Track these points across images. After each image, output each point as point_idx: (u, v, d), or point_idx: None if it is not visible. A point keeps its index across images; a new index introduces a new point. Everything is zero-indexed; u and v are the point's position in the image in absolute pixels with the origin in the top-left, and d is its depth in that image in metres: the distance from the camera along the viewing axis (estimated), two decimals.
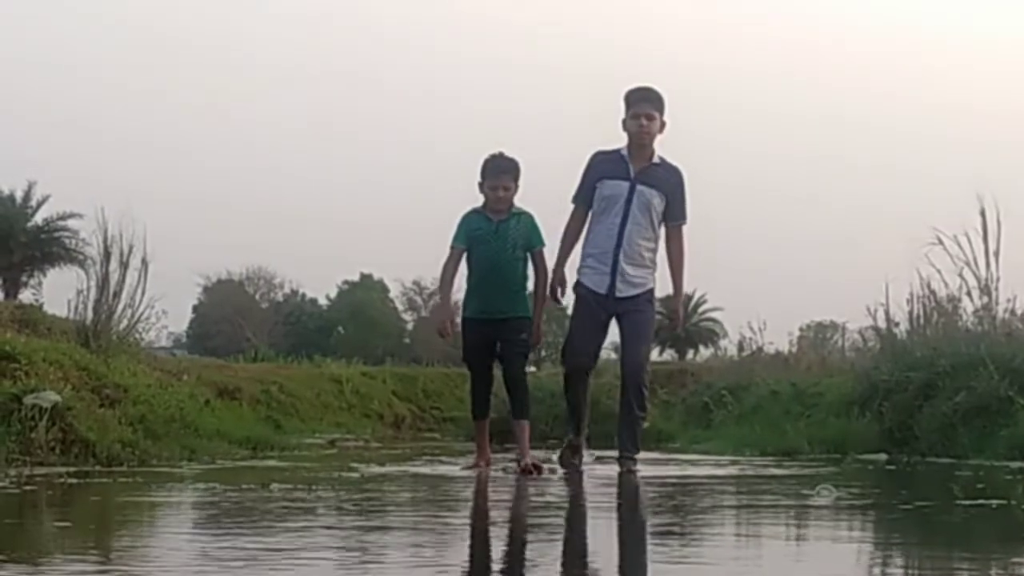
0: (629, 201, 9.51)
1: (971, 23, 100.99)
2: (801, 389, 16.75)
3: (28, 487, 7.36)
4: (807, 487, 7.81)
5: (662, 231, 9.72)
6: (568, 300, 10.10)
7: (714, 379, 21.80)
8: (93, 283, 14.09)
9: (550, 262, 9.87)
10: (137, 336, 14.94)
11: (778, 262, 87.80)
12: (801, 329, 27.41)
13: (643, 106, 9.56)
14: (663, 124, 9.60)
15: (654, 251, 9.70)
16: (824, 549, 5.21)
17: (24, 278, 50.72)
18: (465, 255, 9.88)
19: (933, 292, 14.44)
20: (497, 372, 10.09)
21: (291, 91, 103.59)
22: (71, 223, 51.25)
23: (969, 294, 13.83)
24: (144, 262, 14.16)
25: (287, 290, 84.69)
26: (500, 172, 9.74)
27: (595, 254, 9.67)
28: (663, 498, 7.95)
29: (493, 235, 9.71)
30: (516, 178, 9.81)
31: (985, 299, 13.60)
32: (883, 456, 12.18)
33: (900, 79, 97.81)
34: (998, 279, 13.49)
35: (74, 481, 7.93)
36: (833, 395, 15.25)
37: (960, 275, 13.74)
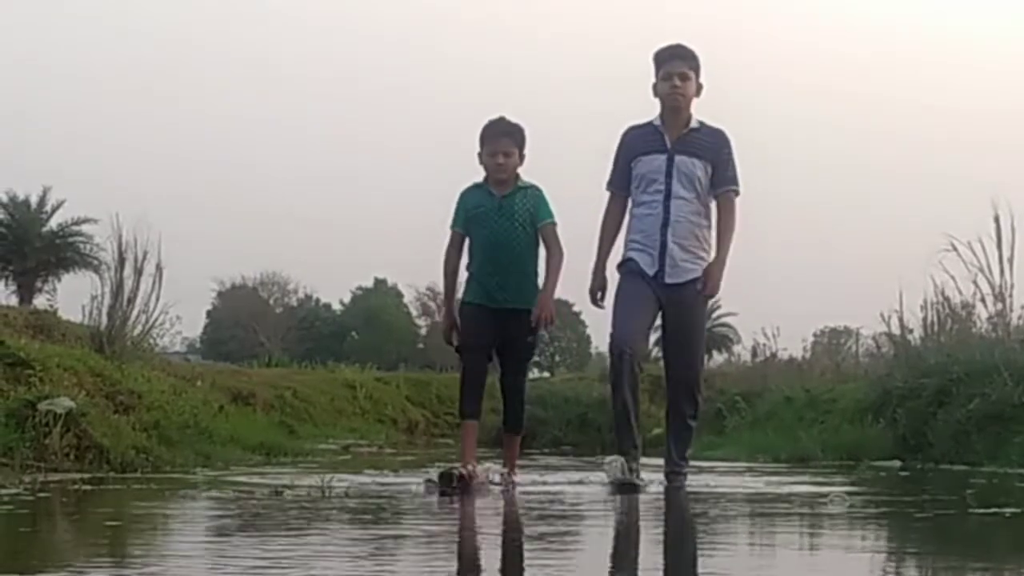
0: (669, 175, 8.46)
1: (988, 29, 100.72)
2: (815, 395, 16.78)
3: (42, 494, 7.36)
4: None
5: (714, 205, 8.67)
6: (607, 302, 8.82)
7: (728, 385, 21.82)
8: (107, 289, 14.14)
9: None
10: (151, 342, 14.99)
11: (793, 267, 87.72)
12: (815, 335, 27.46)
13: (675, 64, 8.51)
14: (700, 86, 8.58)
15: (708, 229, 8.60)
16: (838, 558, 5.20)
17: (39, 283, 50.83)
18: (466, 239, 8.73)
19: (947, 299, 14.48)
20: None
21: (306, 98, 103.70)
22: (86, 228, 51.47)
23: (983, 301, 13.86)
24: (159, 268, 14.22)
25: (301, 295, 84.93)
26: (499, 134, 8.55)
27: (639, 237, 8.58)
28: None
29: (496, 212, 8.53)
30: (520, 144, 8.60)
31: (999, 306, 13.61)
32: (897, 463, 12.16)
33: (915, 85, 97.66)
34: (1012, 286, 13.51)
35: (88, 488, 7.94)
36: (847, 402, 15.26)
37: (974, 282, 13.76)
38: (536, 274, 8.62)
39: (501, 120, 8.62)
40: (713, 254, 8.54)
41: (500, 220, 8.50)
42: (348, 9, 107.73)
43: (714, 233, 8.57)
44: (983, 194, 13.78)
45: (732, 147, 8.61)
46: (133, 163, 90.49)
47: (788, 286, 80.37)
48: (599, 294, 8.70)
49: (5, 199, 52.31)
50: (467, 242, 8.68)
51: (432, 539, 5.72)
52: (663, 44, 8.60)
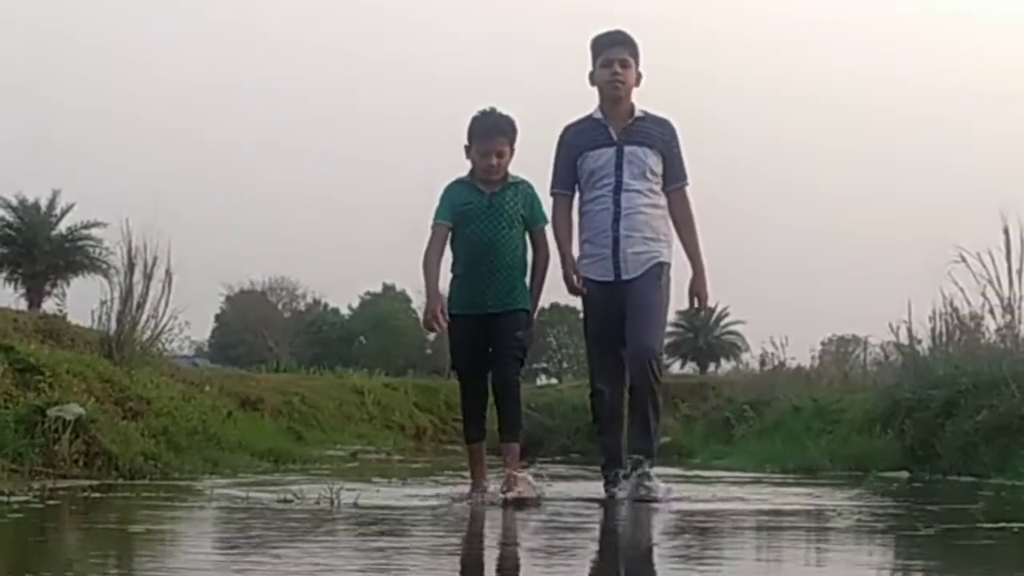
0: (619, 167, 8.07)
1: (996, 39, 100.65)
2: (823, 405, 16.77)
3: (51, 501, 7.37)
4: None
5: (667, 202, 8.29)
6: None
7: (736, 394, 21.86)
8: (117, 294, 14.21)
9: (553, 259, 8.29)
10: (160, 347, 15.03)
11: (801, 276, 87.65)
12: (823, 343, 27.47)
13: (614, 51, 8.12)
14: (639, 75, 8.19)
15: (663, 220, 8.21)
16: (842, 572, 5.20)
17: (47, 287, 50.88)
18: (449, 236, 8.15)
19: (956, 310, 14.46)
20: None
21: (314, 103, 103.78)
22: (95, 232, 51.49)
23: (992, 312, 13.83)
24: (168, 273, 14.28)
25: (309, 300, 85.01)
26: (492, 133, 8.03)
27: (591, 237, 8.19)
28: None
29: (485, 210, 8.01)
30: (512, 140, 8.09)
31: (1008, 317, 13.57)
32: (905, 474, 12.16)
33: (926, 96, 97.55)
34: (1021, 298, 13.46)
35: (97, 495, 7.95)
36: (855, 412, 15.24)
37: (983, 293, 13.73)
38: (524, 274, 8.18)
39: (493, 114, 8.10)
40: (671, 243, 8.24)
41: (488, 219, 8.02)
42: (354, 14, 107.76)
43: (670, 224, 8.23)
44: (992, 206, 13.73)
45: (679, 136, 8.28)
46: (143, 167, 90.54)
47: (797, 294, 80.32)
48: (576, 277, 8.21)
49: (14, 202, 52.34)
50: (448, 239, 8.15)
51: (438, 551, 5.72)
52: (600, 31, 8.25)
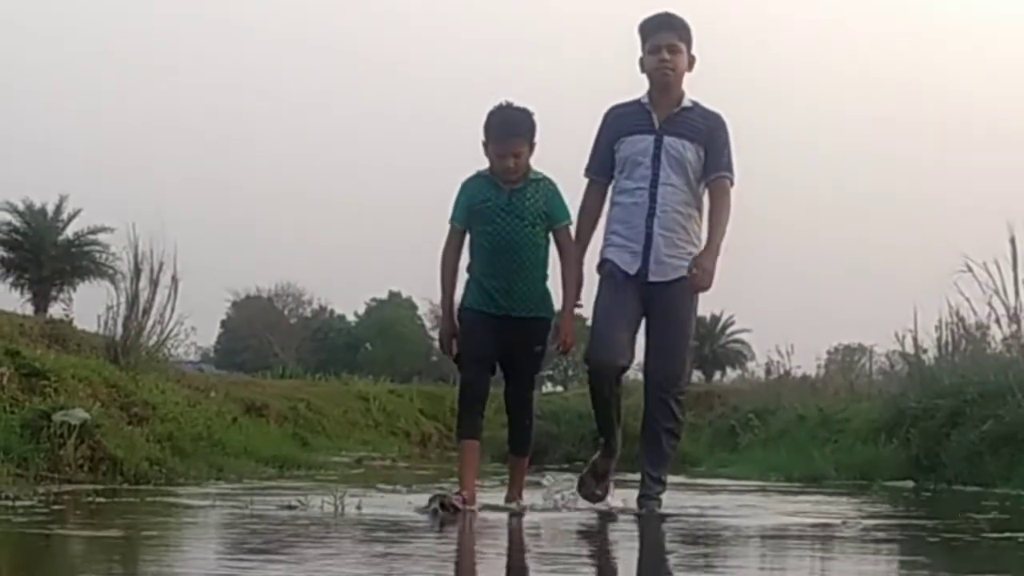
0: (656, 158, 7.50)
1: (1001, 49, 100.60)
2: (828, 414, 16.79)
3: (56, 506, 7.38)
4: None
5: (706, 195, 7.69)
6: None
7: (741, 402, 21.87)
8: (123, 299, 14.20)
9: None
10: (166, 352, 15.05)
11: (807, 284, 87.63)
12: (829, 352, 27.48)
13: (664, 36, 7.56)
14: (692, 59, 7.62)
15: (698, 222, 7.62)
16: None
17: (54, 292, 50.95)
18: (468, 235, 7.73)
19: (962, 319, 14.49)
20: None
21: (321, 110, 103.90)
22: (102, 237, 51.51)
23: (998, 322, 13.86)
24: (174, 279, 14.29)
25: (315, 306, 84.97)
26: (509, 134, 7.54)
27: (621, 229, 7.63)
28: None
29: (505, 208, 7.53)
30: (530, 138, 7.59)
31: (1014, 327, 13.59)
32: (910, 483, 12.17)
33: (931, 105, 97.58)
34: None
35: (102, 500, 7.95)
36: (860, 421, 15.26)
37: (989, 303, 13.75)
38: (545, 278, 7.69)
39: (510, 109, 7.60)
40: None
41: (508, 217, 7.52)
42: (357, 17, 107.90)
43: (705, 225, 7.61)
44: (999, 215, 13.74)
45: (729, 132, 7.68)
46: (150, 172, 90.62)
47: (802, 302, 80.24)
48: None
49: (21, 207, 52.40)
50: (467, 239, 7.72)
51: (443, 558, 5.73)
52: (650, 13, 7.67)
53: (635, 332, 7.67)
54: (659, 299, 7.52)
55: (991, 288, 13.65)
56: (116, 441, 9.70)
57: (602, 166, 7.74)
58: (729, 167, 7.61)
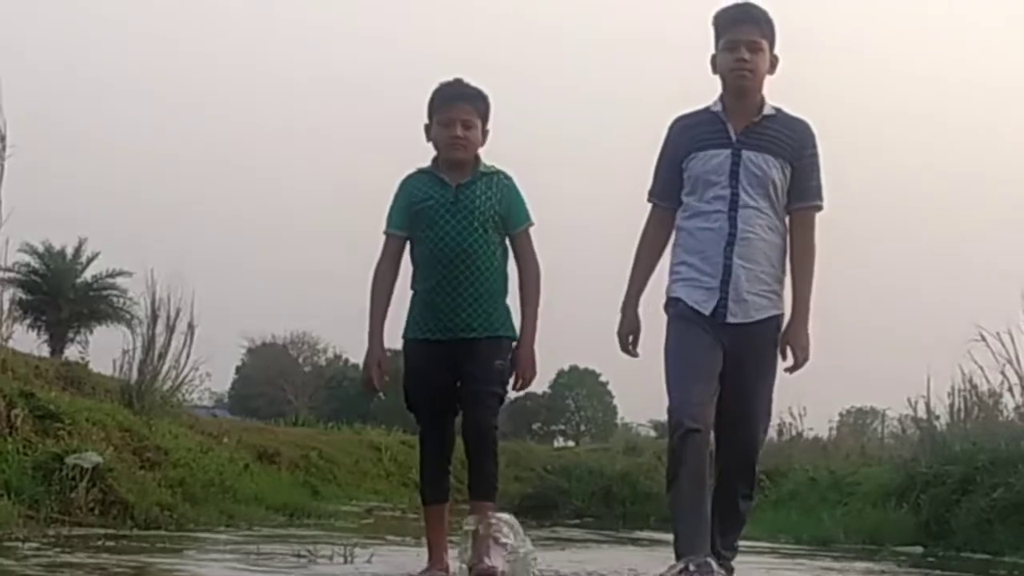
0: (735, 176, 6.17)
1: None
2: (839, 477, 16.78)
3: (66, 548, 7.41)
4: None
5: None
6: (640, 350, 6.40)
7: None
8: (139, 344, 14.31)
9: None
10: (180, 398, 15.13)
11: (820, 345, 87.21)
12: (841, 415, 27.46)
13: (744, 30, 6.25)
14: (774, 60, 6.31)
15: (784, 251, 6.28)
16: None
17: (71, 334, 51.09)
18: (408, 245, 6.46)
19: (974, 387, 14.51)
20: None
21: (341, 156, 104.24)
22: (119, 281, 51.70)
23: (1010, 390, 13.91)
24: (190, 326, 14.39)
25: (330, 355, 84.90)
26: (457, 97, 6.38)
27: (693, 261, 6.22)
28: None
29: (451, 206, 6.29)
30: (483, 113, 6.41)
31: None
32: (919, 549, 12.15)
33: (944, 171, 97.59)
34: None
35: (111, 544, 7.98)
36: (871, 485, 15.24)
37: (1002, 372, 13.80)
38: (504, 292, 6.41)
39: (458, 82, 6.46)
40: (786, 292, 6.31)
41: (455, 218, 6.28)
42: (375, 59, 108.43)
43: (787, 260, 6.30)
44: (1014, 285, 13.82)
45: (818, 146, 6.37)
46: (169, 218, 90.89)
47: (816, 364, 79.91)
48: (630, 338, 6.32)
49: (41, 248, 52.62)
50: (408, 249, 6.47)
51: None
52: (726, 3, 6.39)
53: (717, 377, 6.19)
54: (740, 345, 6.14)
55: (1004, 357, 13.73)
56: (128, 485, 9.76)
57: (667, 188, 6.36)
58: (819, 192, 6.34)
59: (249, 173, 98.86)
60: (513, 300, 6.44)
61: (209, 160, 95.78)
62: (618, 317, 6.32)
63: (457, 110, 6.31)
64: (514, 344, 6.36)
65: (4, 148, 11.67)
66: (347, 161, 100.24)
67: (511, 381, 6.34)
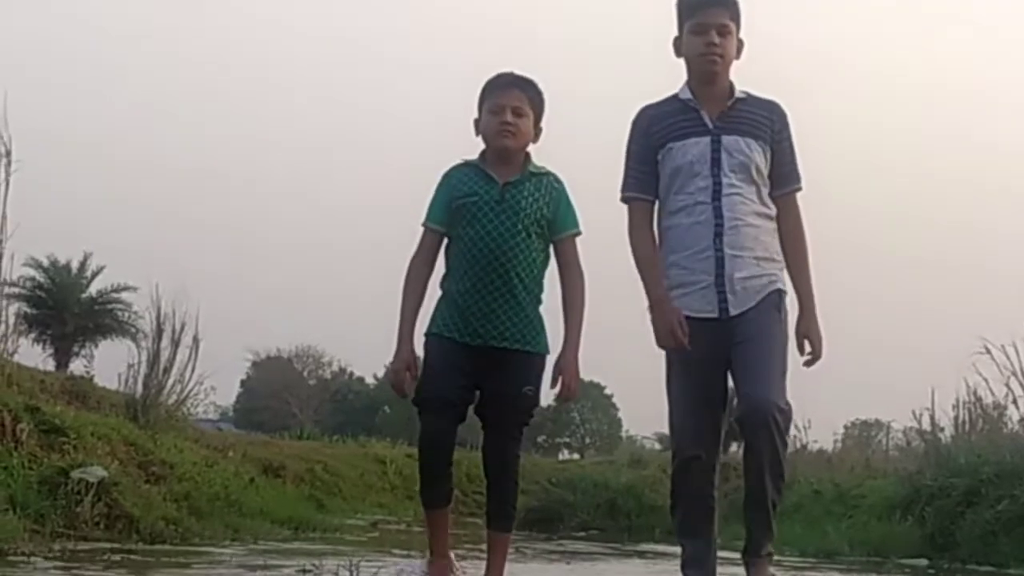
0: (716, 163, 5.86)
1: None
2: (844, 490, 16.78)
3: (71, 563, 7.43)
4: None
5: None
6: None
7: None
8: (144, 358, 14.34)
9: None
10: (185, 412, 15.16)
11: (824, 357, 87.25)
12: (846, 427, 27.47)
13: (713, 13, 5.93)
14: (740, 43, 6.01)
15: (774, 234, 5.97)
16: None
17: (75, 348, 51.09)
18: (445, 242, 6.02)
19: (979, 399, 14.54)
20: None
21: (344, 170, 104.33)
22: (125, 296, 51.72)
23: (1015, 402, 13.92)
24: (195, 340, 14.43)
25: (335, 368, 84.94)
26: (510, 84, 5.99)
27: (681, 259, 5.87)
28: None
29: (496, 205, 5.86)
30: (536, 105, 6.01)
31: None
32: (924, 561, 12.15)
33: (949, 183, 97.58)
34: None
35: (116, 558, 8.00)
36: (875, 497, 15.25)
37: (1006, 384, 13.82)
38: (539, 303, 5.98)
39: (511, 72, 6.08)
40: (783, 264, 5.99)
41: (499, 217, 5.84)
42: (390, 73, 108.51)
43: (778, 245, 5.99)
44: (1018, 297, 13.88)
45: (791, 127, 6.12)
46: (174, 231, 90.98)
47: (820, 377, 79.84)
48: (677, 325, 5.77)
49: (46, 263, 52.65)
50: (445, 246, 6.03)
51: None
52: None
53: (725, 409, 6.00)
54: (745, 324, 5.82)
55: (1009, 370, 13.76)
56: (133, 500, 9.77)
57: (643, 180, 5.97)
58: (798, 174, 6.11)
59: (254, 187, 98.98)
60: (547, 312, 6.02)
61: (215, 174, 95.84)
62: (650, 315, 5.86)
63: (508, 96, 5.92)
64: (546, 357, 5.95)
65: (9, 164, 11.73)
66: (355, 177, 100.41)
67: (555, 391, 5.95)
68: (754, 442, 5.75)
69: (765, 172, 5.91)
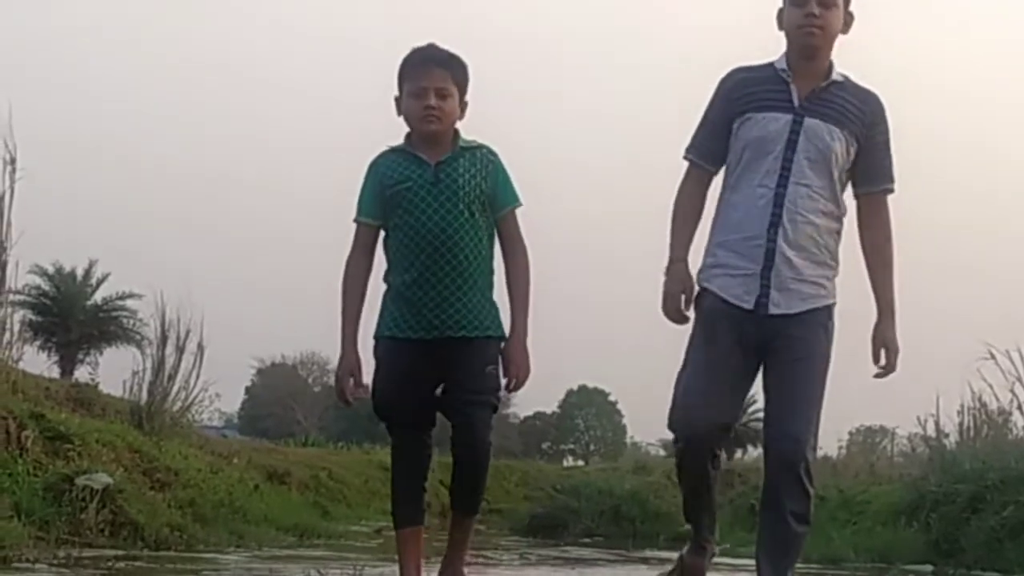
0: (792, 146, 5.39)
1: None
2: (849, 496, 16.76)
3: (76, 570, 7.43)
4: None
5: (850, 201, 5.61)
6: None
7: (762, 481, 21.79)
8: (149, 365, 14.37)
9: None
10: (190, 418, 15.17)
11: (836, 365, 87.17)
12: (850, 433, 27.46)
13: None
14: (849, 17, 5.53)
15: (837, 237, 5.55)
16: None
17: (80, 355, 51.12)
18: (382, 235, 5.57)
19: (984, 405, 14.52)
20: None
21: (353, 177, 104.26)
22: (129, 303, 51.74)
23: (1020, 408, 13.89)
24: (200, 347, 14.44)
25: None
26: (428, 61, 5.46)
27: (731, 241, 5.48)
28: None
29: (431, 187, 5.40)
30: (459, 81, 5.51)
31: None
32: (929, 568, 12.12)
33: (952, 188, 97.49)
34: None
35: (121, 565, 8.00)
36: (880, 504, 15.24)
37: (1011, 390, 13.80)
38: (490, 286, 5.55)
39: (431, 46, 5.55)
40: (838, 272, 5.60)
41: (437, 200, 5.39)
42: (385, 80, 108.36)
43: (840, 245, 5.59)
44: (1023, 302, 13.88)
45: (889, 123, 5.62)
46: (179, 238, 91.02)
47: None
48: (683, 299, 5.52)
49: (51, 270, 52.68)
50: (382, 238, 5.58)
51: None
52: None
53: (744, 393, 5.62)
54: (784, 338, 5.42)
55: (1013, 375, 13.73)
56: (138, 506, 9.77)
57: (711, 147, 5.59)
58: (891, 174, 5.67)
59: (259, 193, 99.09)
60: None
61: (220, 181, 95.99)
62: (663, 278, 5.53)
63: (430, 77, 5.41)
64: (502, 343, 5.49)
65: (14, 171, 11.74)
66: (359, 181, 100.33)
67: (503, 383, 5.48)
68: (778, 482, 5.48)
69: (844, 166, 5.49)
